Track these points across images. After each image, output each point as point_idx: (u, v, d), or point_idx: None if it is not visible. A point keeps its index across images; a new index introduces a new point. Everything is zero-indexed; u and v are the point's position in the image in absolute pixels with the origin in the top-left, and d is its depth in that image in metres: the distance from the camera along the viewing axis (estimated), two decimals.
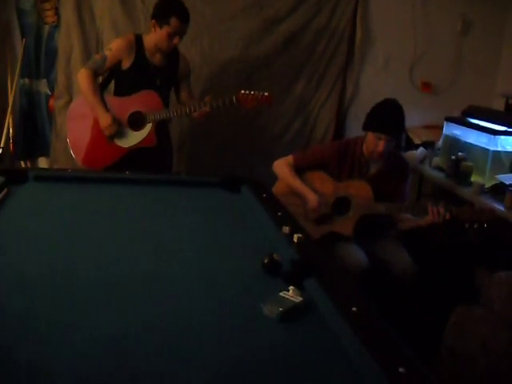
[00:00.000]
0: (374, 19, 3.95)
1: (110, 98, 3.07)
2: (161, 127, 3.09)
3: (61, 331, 1.21)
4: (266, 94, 3.01)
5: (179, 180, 2.60)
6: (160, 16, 2.94)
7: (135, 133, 3.03)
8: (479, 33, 4.10)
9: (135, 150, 3.04)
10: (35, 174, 2.37)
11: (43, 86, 3.80)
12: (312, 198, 2.79)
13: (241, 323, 1.32)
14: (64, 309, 1.32)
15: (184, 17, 2.94)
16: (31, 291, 1.38)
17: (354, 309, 1.33)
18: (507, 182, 2.99)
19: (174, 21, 2.90)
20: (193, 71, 3.36)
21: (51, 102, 3.81)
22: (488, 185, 3.13)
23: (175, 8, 2.93)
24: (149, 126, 3.01)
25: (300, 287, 1.45)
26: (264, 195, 2.30)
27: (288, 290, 1.41)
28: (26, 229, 1.83)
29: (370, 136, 2.77)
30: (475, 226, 2.59)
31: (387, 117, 2.76)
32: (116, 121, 2.98)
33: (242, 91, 2.98)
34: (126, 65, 3.01)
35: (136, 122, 3.02)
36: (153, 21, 2.97)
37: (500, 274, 2.34)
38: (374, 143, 2.75)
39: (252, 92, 2.99)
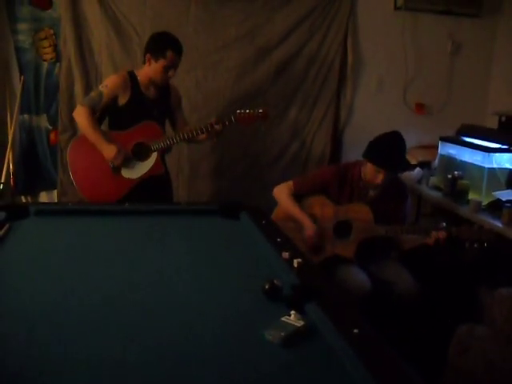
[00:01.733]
0: (365, 44, 4.03)
1: (111, 133, 3.08)
2: (163, 158, 3.13)
3: (61, 362, 1.22)
4: (260, 110, 3.08)
5: (178, 209, 2.63)
6: (155, 50, 2.99)
7: (142, 163, 3.05)
8: (469, 53, 4.18)
9: (140, 183, 3.05)
10: (36, 208, 2.40)
11: (43, 121, 3.86)
12: (308, 226, 2.81)
13: (243, 349, 1.33)
14: (64, 338, 1.33)
15: (179, 50, 3.01)
16: (33, 325, 1.39)
17: (355, 331, 1.35)
18: (504, 199, 3.02)
19: (170, 54, 2.96)
20: (188, 100, 3.42)
21: (52, 136, 3.86)
22: (485, 202, 3.16)
23: (170, 41, 2.99)
24: (154, 155, 3.04)
25: (301, 311, 1.46)
26: (263, 221, 2.32)
27: (289, 315, 1.43)
28: (28, 263, 1.85)
29: (370, 167, 2.79)
30: (475, 245, 2.61)
31: (389, 152, 2.76)
32: (122, 151, 2.99)
33: (238, 111, 3.05)
34: (122, 101, 3.04)
35: (140, 152, 3.04)
36: (147, 55, 3.02)
37: (501, 290, 2.35)
38: (373, 175, 2.78)
39: (247, 110, 3.05)
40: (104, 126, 3.16)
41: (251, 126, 3.26)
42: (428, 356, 2.49)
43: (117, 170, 3.03)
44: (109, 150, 2.98)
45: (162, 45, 2.98)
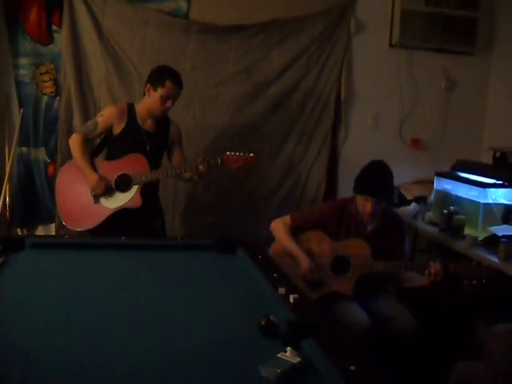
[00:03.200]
0: (361, 80, 4.09)
1: (100, 162, 3.16)
2: (150, 191, 3.14)
3: None
4: (251, 154, 3.08)
5: (174, 244, 2.62)
6: (155, 80, 3.06)
7: (121, 194, 3.08)
8: (464, 89, 4.25)
9: (122, 213, 3.07)
10: (32, 241, 2.39)
11: (42, 154, 3.88)
12: (304, 263, 2.80)
13: None
14: (57, 375, 1.31)
15: (178, 81, 3.07)
16: (26, 360, 1.37)
17: (352, 368, 1.33)
18: (500, 234, 3.02)
19: (168, 84, 3.02)
20: (186, 135, 3.45)
21: (50, 169, 3.88)
22: (481, 237, 3.16)
23: (170, 73, 3.07)
24: (135, 188, 3.06)
25: (297, 348, 1.45)
26: (260, 256, 2.32)
27: (285, 351, 1.41)
28: (23, 297, 1.83)
29: (359, 198, 2.84)
30: (474, 282, 2.61)
31: (372, 179, 2.83)
32: (103, 180, 3.04)
33: (228, 152, 3.06)
34: (116, 130, 3.10)
35: (123, 184, 3.08)
36: (147, 85, 3.09)
37: (499, 326, 2.33)
38: (363, 205, 2.81)
39: (237, 153, 3.06)
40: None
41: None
42: None
43: (96, 198, 3.07)
44: (90, 178, 3.04)
45: (162, 75, 3.06)
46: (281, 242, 2.94)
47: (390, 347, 2.67)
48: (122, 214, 3.07)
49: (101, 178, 3.04)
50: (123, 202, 3.07)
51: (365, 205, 2.80)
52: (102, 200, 3.08)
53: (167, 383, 1.31)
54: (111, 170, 3.09)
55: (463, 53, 4.14)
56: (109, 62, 3.75)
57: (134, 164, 3.08)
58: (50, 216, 3.88)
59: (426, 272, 2.65)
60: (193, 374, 1.36)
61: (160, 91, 3.04)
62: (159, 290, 1.99)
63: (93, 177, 3.04)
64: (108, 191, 3.06)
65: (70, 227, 3.13)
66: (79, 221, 3.11)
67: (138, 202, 3.07)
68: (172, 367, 1.39)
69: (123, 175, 3.07)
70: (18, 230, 3.90)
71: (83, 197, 3.10)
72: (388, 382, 1.30)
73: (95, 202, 3.09)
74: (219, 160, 3.04)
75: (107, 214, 3.07)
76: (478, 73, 4.25)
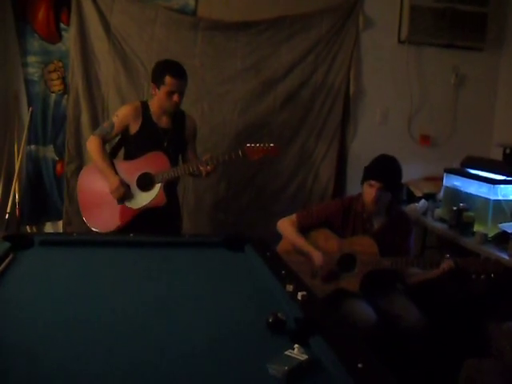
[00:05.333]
0: (369, 76, 4.08)
1: (119, 163, 3.14)
2: (169, 190, 3.13)
3: None
4: (271, 145, 3.08)
5: (182, 241, 2.62)
6: (156, 78, 3.05)
7: (145, 193, 3.06)
8: (473, 85, 4.22)
9: (145, 213, 3.06)
10: (40, 239, 2.40)
11: (50, 152, 3.91)
12: (317, 256, 2.80)
13: (246, 383, 1.32)
14: (65, 370, 1.32)
15: (177, 73, 3.03)
16: (34, 356, 1.38)
17: (359, 365, 1.33)
18: (510, 231, 3.00)
19: (168, 79, 3.00)
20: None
21: (58, 167, 3.90)
22: (491, 234, 3.14)
23: (167, 67, 3.04)
24: (158, 186, 3.05)
25: (305, 345, 1.45)
26: (268, 253, 2.31)
27: (293, 349, 1.41)
28: (31, 294, 1.84)
29: (365, 187, 2.84)
30: (482, 277, 2.59)
31: (378, 165, 2.86)
32: (124, 183, 3.03)
33: (248, 144, 3.05)
34: (133, 130, 3.09)
35: (145, 183, 3.06)
36: (152, 85, 3.09)
37: (509, 323, 2.32)
38: (368, 192, 2.81)
39: (258, 144, 3.06)
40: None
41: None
42: None
43: (120, 200, 3.05)
44: (112, 182, 3.02)
45: (160, 72, 3.04)
46: (290, 239, 2.94)
47: (398, 345, 2.66)
48: (143, 213, 3.06)
49: (121, 182, 3.02)
50: (147, 202, 3.05)
51: (369, 192, 2.79)
52: (126, 201, 3.07)
53: (174, 379, 1.31)
54: (132, 169, 3.08)
55: (473, 48, 4.11)
56: (117, 59, 3.76)
57: (154, 162, 3.06)
58: (57, 213, 3.91)
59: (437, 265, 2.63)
60: (200, 370, 1.36)
61: (163, 89, 3.02)
62: (168, 287, 2.00)
63: (113, 180, 3.02)
64: (129, 194, 3.05)
65: (97, 230, 3.10)
66: (105, 223, 3.09)
67: (162, 201, 3.05)
68: (179, 363, 1.39)
69: (144, 174, 3.06)
70: (28, 227, 3.92)
71: (106, 198, 3.07)
72: (396, 379, 1.29)
73: (119, 204, 3.07)
74: (240, 152, 3.03)
75: (132, 214, 3.06)
76: (488, 68, 4.22)
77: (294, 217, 2.97)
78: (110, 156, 3.15)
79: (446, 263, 2.63)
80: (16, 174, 3.75)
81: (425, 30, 3.96)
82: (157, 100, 3.09)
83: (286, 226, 2.96)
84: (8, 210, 3.73)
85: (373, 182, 2.79)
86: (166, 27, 3.77)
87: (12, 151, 3.81)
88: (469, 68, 4.18)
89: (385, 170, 2.83)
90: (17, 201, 3.79)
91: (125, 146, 3.20)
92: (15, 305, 1.75)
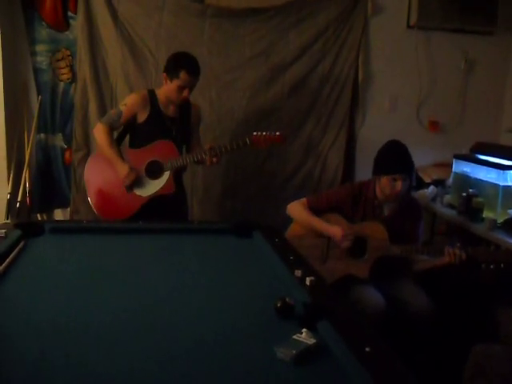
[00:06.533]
0: (378, 62, 4.06)
1: (127, 150, 3.15)
2: (176, 178, 3.14)
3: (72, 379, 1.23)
4: (277, 133, 3.08)
5: (191, 228, 2.63)
6: (170, 70, 3.03)
7: (154, 181, 3.08)
8: (483, 70, 4.18)
9: (152, 201, 3.08)
10: (51, 226, 2.42)
11: (59, 140, 3.93)
12: (336, 231, 2.79)
13: (254, 366, 1.33)
14: (76, 357, 1.33)
15: (193, 70, 3.03)
16: (44, 343, 1.40)
17: (367, 349, 1.34)
18: None
19: (183, 74, 2.99)
20: (202, 120, 3.45)
21: (67, 155, 3.92)
22: (500, 220, 3.12)
23: (184, 62, 3.02)
24: (167, 174, 3.07)
25: (313, 329, 1.46)
26: (276, 240, 2.32)
27: (301, 333, 1.42)
28: (42, 280, 1.86)
29: (384, 180, 2.79)
30: (492, 266, 2.58)
31: (397, 157, 2.81)
32: (133, 170, 3.04)
33: (255, 133, 3.06)
34: (141, 118, 3.09)
35: (154, 171, 3.08)
36: (164, 74, 3.08)
37: None
38: (390, 186, 2.77)
39: (264, 133, 3.06)
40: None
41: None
42: (443, 376, 2.46)
43: (129, 187, 3.06)
44: (121, 169, 3.03)
45: (176, 65, 3.02)
46: (302, 221, 2.93)
47: (406, 330, 2.67)
48: (151, 201, 3.07)
49: (131, 168, 3.04)
50: (156, 189, 3.07)
51: (393, 185, 2.76)
52: (135, 189, 3.09)
53: (180, 362, 1.32)
54: (140, 157, 3.08)
55: (483, 33, 4.07)
56: (124, 47, 3.76)
57: (163, 150, 3.07)
58: (66, 200, 3.94)
59: (446, 252, 2.62)
60: (207, 355, 1.37)
61: (175, 82, 3.01)
62: (177, 273, 2.01)
63: (123, 168, 3.04)
64: (138, 181, 3.07)
65: (107, 218, 3.12)
66: (115, 212, 3.11)
67: (171, 188, 3.07)
68: (186, 348, 1.40)
69: (153, 162, 3.07)
70: (38, 215, 3.96)
71: (115, 187, 3.09)
72: (404, 364, 1.29)
73: (128, 192, 3.09)
74: (248, 140, 3.04)
75: (142, 202, 3.07)
76: (498, 53, 4.18)
77: (303, 200, 2.96)
78: (117, 143, 3.16)
79: (456, 249, 2.62)
80: (26, 163, 3.78)
81: (434, 15, 3.92)
82: (166, 90, 3.09)
83: (297, 208, 2.95)
84: (19, 199, 3.76)
85: (396, 176, 2.76)
86: (173, 14, 3.76)
87: (22, 140, 3.84)
88: (479, 53, 4.14)
89: (405, 161, 2.80)
90: (27, 189, 3.82)
91: (130, 133, 3.20)
92: (26, 291, 1.77)
